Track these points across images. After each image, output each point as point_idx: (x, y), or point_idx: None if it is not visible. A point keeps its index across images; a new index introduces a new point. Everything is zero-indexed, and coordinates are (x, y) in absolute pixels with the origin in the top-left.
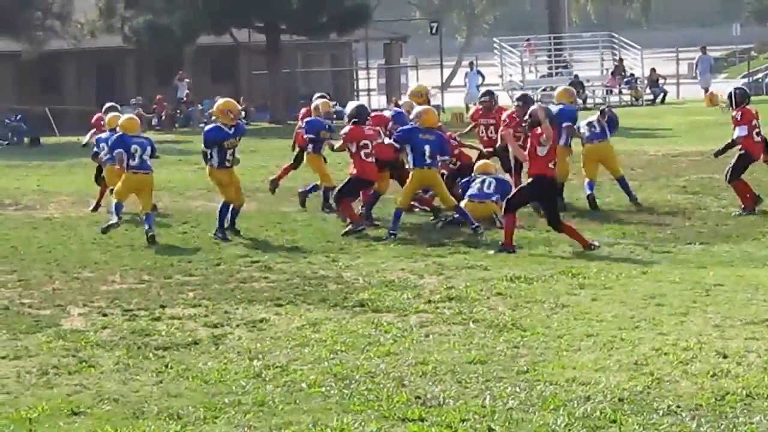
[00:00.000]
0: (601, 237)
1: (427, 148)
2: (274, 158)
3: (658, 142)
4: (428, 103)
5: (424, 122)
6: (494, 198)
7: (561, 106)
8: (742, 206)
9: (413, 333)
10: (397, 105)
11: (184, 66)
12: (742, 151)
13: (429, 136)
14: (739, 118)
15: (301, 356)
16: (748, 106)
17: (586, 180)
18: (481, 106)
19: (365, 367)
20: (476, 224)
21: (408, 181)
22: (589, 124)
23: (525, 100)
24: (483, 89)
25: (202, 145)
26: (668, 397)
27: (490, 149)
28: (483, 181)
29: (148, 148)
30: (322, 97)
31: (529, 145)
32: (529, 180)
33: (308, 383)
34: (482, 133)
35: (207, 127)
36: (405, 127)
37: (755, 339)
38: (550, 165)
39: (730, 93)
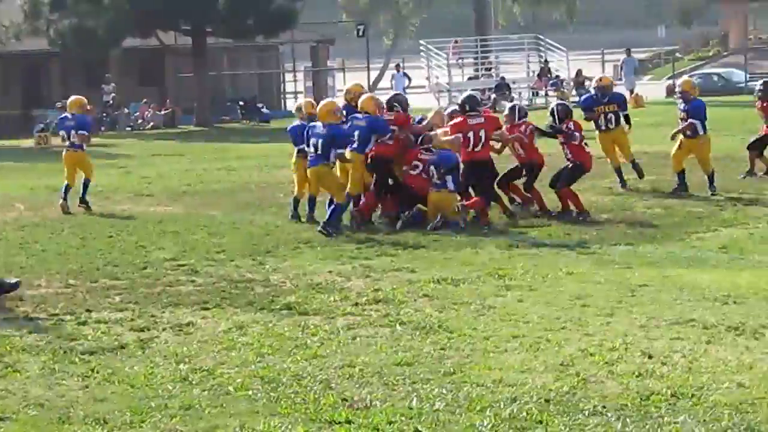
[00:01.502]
0: (528, 238)
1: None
2: (201, 161)
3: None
4: None
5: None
6: (450, 186)
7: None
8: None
9: (340, 335)
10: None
11: (110, 69)
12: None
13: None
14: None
15: (228, 359)
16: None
17: None
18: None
19: (292, 369)
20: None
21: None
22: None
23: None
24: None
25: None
26: (594, 398)
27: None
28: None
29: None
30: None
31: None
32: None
33: (235, 386)
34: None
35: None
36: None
37: (680, 339)
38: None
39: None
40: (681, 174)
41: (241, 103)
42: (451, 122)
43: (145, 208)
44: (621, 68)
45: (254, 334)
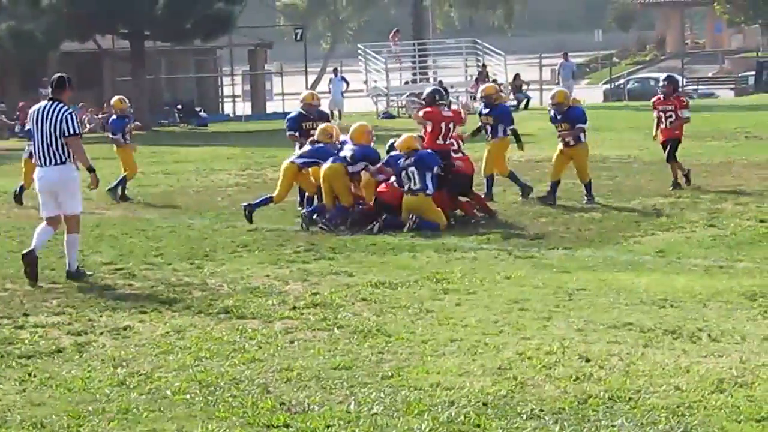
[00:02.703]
0: (465, 242)
1: None
2: (139, 165)
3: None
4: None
5: None
6: (429, 189)
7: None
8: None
9: (278, 339)
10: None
11: (48, 72)
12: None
13: None
14: None
15: (166, 363)
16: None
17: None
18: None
19: (230, 373)
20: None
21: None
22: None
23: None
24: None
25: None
26: (531, 401)
27: None
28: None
29: None
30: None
31: None
32: None
33: (173, 390)
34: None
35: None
36: None
37: (617, 343)
38: None
39: None
40: (555, 184)
41: (179, 106)
42: (425, 110)
43: (82, 212)
44: (558, 72)
45: (192, 338)
